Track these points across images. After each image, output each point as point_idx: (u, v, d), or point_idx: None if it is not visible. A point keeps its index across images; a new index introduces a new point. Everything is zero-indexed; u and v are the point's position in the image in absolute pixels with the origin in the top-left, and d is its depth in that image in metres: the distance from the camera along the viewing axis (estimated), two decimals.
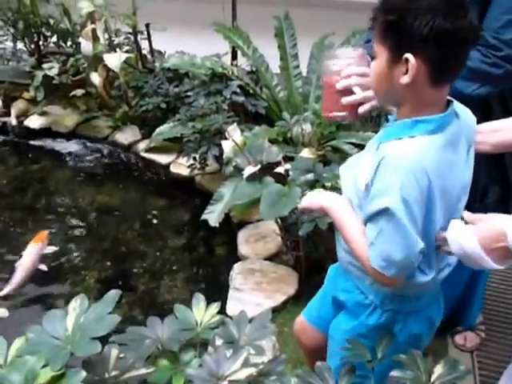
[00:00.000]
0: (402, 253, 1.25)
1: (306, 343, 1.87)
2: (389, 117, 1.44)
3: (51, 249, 2.90)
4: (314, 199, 1.52)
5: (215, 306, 1.35)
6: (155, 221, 3.43)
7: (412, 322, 1.49)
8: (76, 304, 1.08)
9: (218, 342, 1.27)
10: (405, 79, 1.22)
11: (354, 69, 1.50)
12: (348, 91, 1.50)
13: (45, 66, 4.13)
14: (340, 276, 1.61)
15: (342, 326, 1.58)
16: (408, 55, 1.19)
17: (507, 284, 2.75)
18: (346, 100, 1.51)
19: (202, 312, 1.33)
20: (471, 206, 1.35)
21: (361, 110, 1.52)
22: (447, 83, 1.27)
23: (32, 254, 2.76)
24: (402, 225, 1.22)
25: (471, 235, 1.18)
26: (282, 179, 2.36)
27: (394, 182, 1.22)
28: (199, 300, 1.36)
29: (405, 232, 1.23)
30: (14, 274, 2.69)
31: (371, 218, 1.29)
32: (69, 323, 1.06)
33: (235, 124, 2.47)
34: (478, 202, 1.92)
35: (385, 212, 1.23)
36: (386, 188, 1.23)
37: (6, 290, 2.65)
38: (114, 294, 1.13)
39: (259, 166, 2.35)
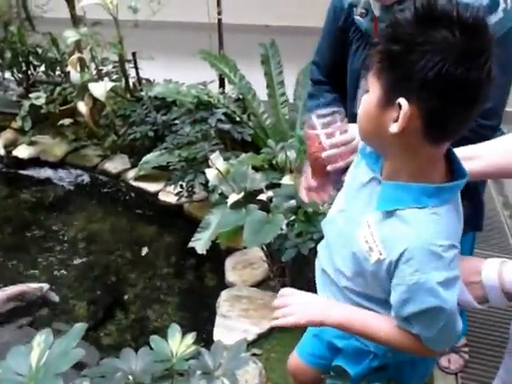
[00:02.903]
0: (457, 332, 1.18)
1: (301, 380, 1.77)
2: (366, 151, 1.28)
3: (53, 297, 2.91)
4: (302, 316, 1.27)
5: (191, 337, 1.34)
6: (145, 248, 3.41)
7: (417, 367, 1.42)
8: (41, 339, 1.07)
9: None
10: (393, 127, 1.04)
11: (335, 140, 1.48)
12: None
13: (32, 95, 4.16)
14: None
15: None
16: (402, 100, 1.01)
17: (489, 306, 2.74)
18: (330, 167, 1.48)
19: (177, 343, 1.32)
20: None
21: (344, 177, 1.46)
22: (445, 142, 1.10)
23: None
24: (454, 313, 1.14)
25: None
26: (265, 206, 2.36)
27: (435, 274, 1.08)
28: (175, 331, 1.35)
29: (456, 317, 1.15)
30: None
31: (418, 315, 1.14)
32: (33, 359, 1.05)
33: (218, 152, 2.48)
34: None
35: (437, 309, 1.11)
36: (428, 282, 1.09)
37: None
38: (79, 327, 1.12)
39: (243, 194, 2.35)
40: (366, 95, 1.12)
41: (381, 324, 1.23)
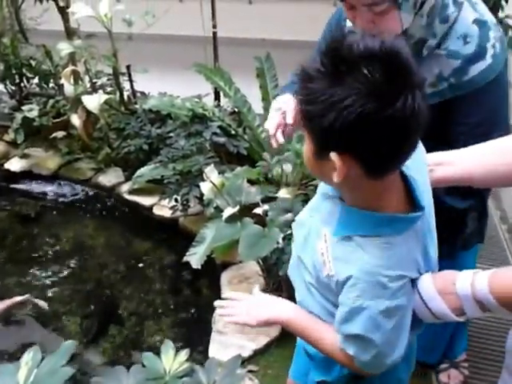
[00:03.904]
0: (393, 361, 1.18)
1: None
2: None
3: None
4: (258, 315, 1.31)
5: (184, 353, 1.31)
6: (139, 263, 3.38)
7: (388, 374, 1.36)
8: (28, 357, 1.03)
9: None
10: (334, 178, 1.02)
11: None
12: None
13: (24, 107, 4.13)
14: None
15: (314, 380, 1.46)
16: (332, 155, 0.99)
17: (488, 320, 2.72)
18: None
19: (170, 360, 1.30)
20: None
21: None
22: (394, 169, 1.08)
23: None
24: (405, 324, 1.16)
25: (426, 277, 1.18)
26: (261, 220, 2.34)
27: (377, 302, 1.10)
28: (168, 347, 1.32)
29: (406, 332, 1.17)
30: None
31: (355, 337, 1.16)
32: (20, 378, 1.01)
33: (212, 165, 2.46)
34: None
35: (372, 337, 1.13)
36: (369, 309, 1.11)
37: None
38: (68, 345, 1.09)
39: (238, 207, 2.34)
40: (304, 143, 1.10)
41: (327, 334, 1.25)
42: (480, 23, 1.55)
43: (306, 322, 1.29)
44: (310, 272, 1.27)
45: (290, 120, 1.66)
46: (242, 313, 1.32)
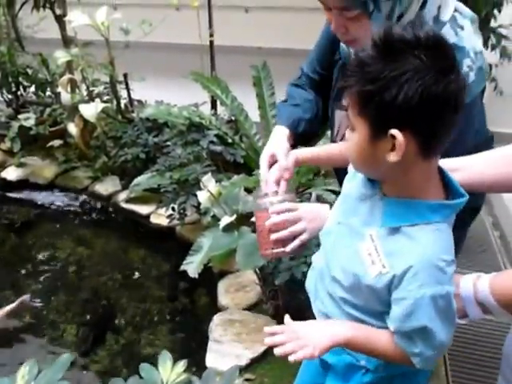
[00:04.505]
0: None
1: None
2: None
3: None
4: (319, 343, 1.19)
5: (182, 364, 1.30)
6: (136, 272, 3.38)
7: (408, 379, 1.37)
8: (25, 371, 1.02)
9: None
10: (392, 157, 1.05)
11: (280, 205, 1.49)
12: (280, 227, 1.47)
13: (21, 116, 4.15)
14: None
15: None
16: (394, 131, 1.02)
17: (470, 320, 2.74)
18: (274, 236, 1.47)
19: (168, 371, 1.29)
20: None
21: (288, 248, 1.47)
22: (437, 155, 1.12)
23: None
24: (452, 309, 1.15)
25: None
26: None
27: (439, 288, 1.11)
28: (165, 358, 1.31)
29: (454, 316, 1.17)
30: None
31: (420, 330, 1.14)
32: None
33: (209, 174, 2.47)
34: None
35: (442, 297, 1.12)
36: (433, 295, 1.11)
37: None
38: (65, 358, 1.08)
39: (235, 216, 2.34)
40: (352, 134, 1.12)
41: (381, 337, 1.22)
42: (456, 48, 1.47)
43: (364, 336, 1.23)
44: (340, 282, 1.25)
45: (284, 164, 1.62)
46: (294, 340, 1.20)
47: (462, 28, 1.51)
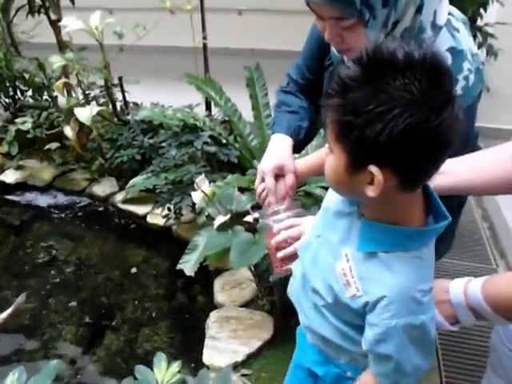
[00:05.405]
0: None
1: None
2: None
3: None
4: None
5: (176, 365, 1.33)
6: (134, 271, 3.42)
7: None
8: (14, 377, 1.04)
9: None
10: (370, 192, 0.98)
11: (282, 224, 1.51)
12: (286, 244, 1.48)
13: (18, 120, 4.18)
14: (308, 346, 1.40)
15: None
16: (373, 168, 0.94)
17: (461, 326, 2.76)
18: (281, 254, 1.47)
19: (163, 371, 1.31)
20: None
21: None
22: (424, 183, 1.06)
23: None
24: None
25: None
26: (252, 227, 2.38)
27: (413, 318, 1.08)
28: (160, 359, 1.34)
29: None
30: None
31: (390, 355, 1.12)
32: None
33: (203, 175, 2.50)
34: None
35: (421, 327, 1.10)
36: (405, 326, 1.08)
37: None
38: (54, 364, 1.11)
39: (229, 216, 2.37)
40: (331, 156, 1.04)
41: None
42: (455, 52, 1.47)
43: None
44: (321, 295, 1.22)
45: (291, 182, 1.68)
46: None
47: (457, 31, 1.50)
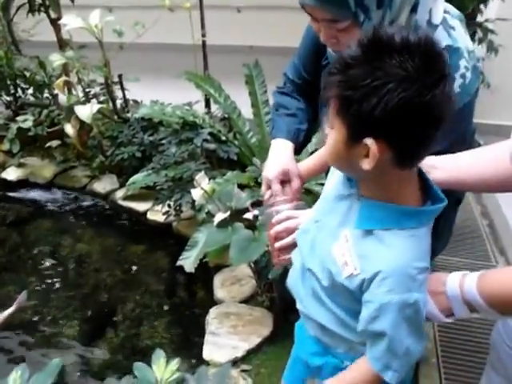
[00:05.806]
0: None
1: None
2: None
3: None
4: None
5: (175, 362, 1.33)
6: (134, 267, 3.44)
7: None
8: (16, 375, 1.06)
9: None
10: (365, 165, 1.03)
11: (281, 215, 1.53)
12: (283, 236, 1.50)
13: (19, 118, 4.22)
14: (307, 338, 1.42)
15: None
16: (368, 141, 1.00)
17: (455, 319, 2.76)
18: (278, 244, 1.49)
19: (162, 369, 1.31)
20: None
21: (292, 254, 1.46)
22: (418, 163, 1.10)
23: None
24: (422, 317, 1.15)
25: None
26: (252, 224, 2.39)
27: (408, 295, 1.10)
28: (159, 357, 1.35)
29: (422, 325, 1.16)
30: None
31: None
32: None
33: (203, 172, 2.51)
34: None
35: (414, 305, 1.12)
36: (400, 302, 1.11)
37: None
38: (56, 362, 1.12)
39: (229, 213, 2.38)
40: (331, 131, 1.10)
41: (359, 366, 1.24)
42: (451, 50, 1.46)
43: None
44: (319, 279, 1.25)
45: (297, 187, 1.69)
46: None
47: (453, 29, 1.50)
